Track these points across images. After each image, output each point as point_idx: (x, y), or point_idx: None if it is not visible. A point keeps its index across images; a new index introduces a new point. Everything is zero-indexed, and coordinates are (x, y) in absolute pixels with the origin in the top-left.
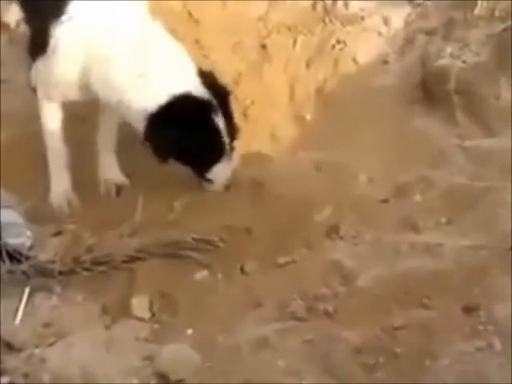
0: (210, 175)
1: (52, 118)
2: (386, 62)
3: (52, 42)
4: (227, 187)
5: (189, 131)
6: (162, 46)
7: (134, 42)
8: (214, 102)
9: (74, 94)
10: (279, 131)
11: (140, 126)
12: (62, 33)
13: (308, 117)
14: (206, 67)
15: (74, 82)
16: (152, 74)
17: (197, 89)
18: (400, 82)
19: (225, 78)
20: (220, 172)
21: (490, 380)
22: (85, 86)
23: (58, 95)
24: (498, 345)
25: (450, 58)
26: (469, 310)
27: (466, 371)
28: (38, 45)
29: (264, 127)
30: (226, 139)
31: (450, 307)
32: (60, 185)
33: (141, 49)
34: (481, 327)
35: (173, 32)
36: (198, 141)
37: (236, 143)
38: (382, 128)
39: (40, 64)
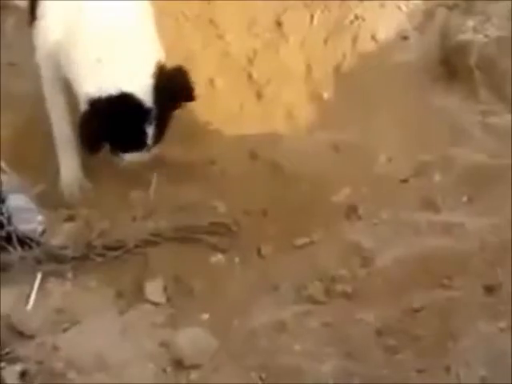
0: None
1: (55, 98)
2: (405, 38)
3: (39, 9)
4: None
5: (114, 129)
6: (132, 39)
7: (108, 27)
8: (152, 107)
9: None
10: (296, 110)
11: (82, 108)
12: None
13: (325, 95)
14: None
15: (54, 51)
16: (107, 63)
17: (141, 91)
18: (420, 58)
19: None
20: (130, 158)
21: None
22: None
23: (47, 63)
24: None
25: (472, 32)
26: (490, 289)
27: (489, 352)
28: (30, 12)
29: (280, 106)
30: (150, 142)
31: (472, 287)
32: (70, 170)
33: (110, 35)
34: (502, 307)
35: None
36: (120, 140)
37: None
38: (402, 106)
39: (33, 32)
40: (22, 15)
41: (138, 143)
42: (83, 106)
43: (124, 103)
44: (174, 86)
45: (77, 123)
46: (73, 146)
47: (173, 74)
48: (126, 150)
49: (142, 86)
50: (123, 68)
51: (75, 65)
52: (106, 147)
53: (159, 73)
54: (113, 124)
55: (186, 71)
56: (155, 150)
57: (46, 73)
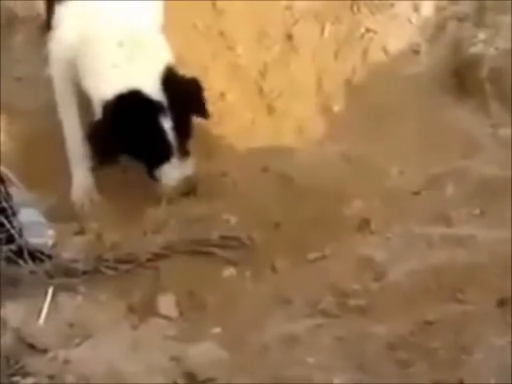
0: (158, 175)
1: (68, 109)
2: (416, 51)
3: (55, 18)
4: (185, 194)
5: (131, 128)
6: (145, 44)
7: (122, 33)
8: (165, 102)
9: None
10: (306, 123)
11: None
12: (62, 11)
13: (336, 108)
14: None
15: (70, 58)
16: (123, 67)
17: (150, 88)
18: (431, 70)
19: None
20: (168, 173)
21: None
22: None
23: (60, 73)
24: None
25: (483, 44)
26: (503, 302)
27: (502, 365)
28: (47, 23)
29: (291, 119)
30: (173, 140)
31: (485, 301)
32: (81, 182)
33: (124, 40)
34: None
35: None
36: (141, 138)
37: (191, 147)
38: (413, 118)
39: (48, 41)
40: (31, 30)
41: (162, 146)
42: (98, 111)
43: (138, 104)
44: (187, 92)
45: (89, 129)
46: (85, 158)
47: (187, 81)
48: (153, 158)
49: (149, 84)
50: (138, 71)
51: (91, 71)
52: (120, 160)
53: (171, 75)
54: (128, 123)
55: (200, 84)
56: (191, 164)
57: (59, 84)
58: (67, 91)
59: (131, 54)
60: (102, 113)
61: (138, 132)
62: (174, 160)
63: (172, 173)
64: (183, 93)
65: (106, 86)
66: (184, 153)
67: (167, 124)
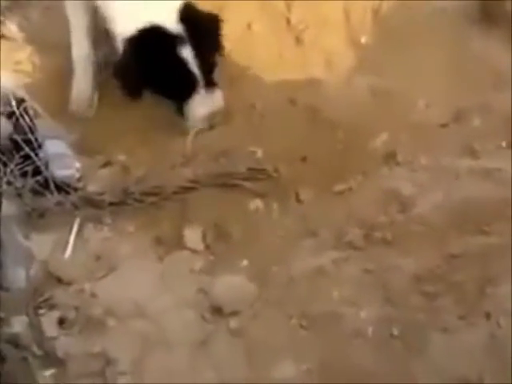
0: (186, 109)
1: (77, 17)
2: None
3: None
4: (212, 126)
5: (154, 63)
6: None
7: None
8: (184, 35)
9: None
10: (334, 56)
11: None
12: None
13: (363, 40)
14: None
15: None
16: (143, 3)
17: (169, 22)
18: (459, 2)
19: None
20: (195, 107)
21: None
22: None
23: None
24: None
25: None
26: None
27: None
28: None
29: (318, 52)
30: (197, 72)
31: (510, 233)
32: (82, 86)
33: None
34: None
35: None
36: (165, 72)
37: (217, 79)
38: (440, 51)
39: None
40: None
41: (187, 79)
42: (120, 47)
43: (159, 38)
44: (207, 26)
45: (114, 66)
46: (89, 64)
47: (206, 15)
48: (179, 92)
49: (167, 18)
50: (158, 7)
51: (112, 8)
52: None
53: (190, 10)
54: (149, 57)
55: (218, 19)
56: (219, 95)
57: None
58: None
59: None
60: (124, 49)
61: (162, 66)
62: (201, 92)
63: (200, 105)
64: (203, 26)
65: (126, 22)
66: (211, 84)
67: (190, 56)
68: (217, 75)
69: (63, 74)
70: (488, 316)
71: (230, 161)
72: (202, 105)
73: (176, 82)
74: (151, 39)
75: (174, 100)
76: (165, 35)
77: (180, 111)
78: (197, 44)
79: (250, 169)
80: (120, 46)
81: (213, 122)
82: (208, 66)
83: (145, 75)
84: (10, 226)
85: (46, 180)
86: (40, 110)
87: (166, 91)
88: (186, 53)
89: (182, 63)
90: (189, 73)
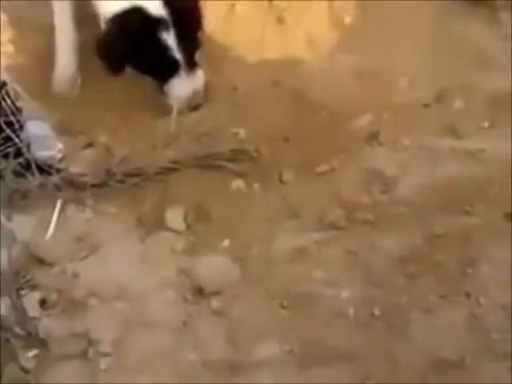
0: (167, 89)
1: None
2: None
3: None
4: (194, 107)
5: (134, 41)
6: None
7: None
8: (167, 16)
9: None
10: (317, 36)
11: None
12: None
13: (347, 20)
14: None
15: None
16: None
17: (151, 3)
18: None
19: None
20: (177, 87)
21: None
22: None
23: None
24: None
25: None
26: (511, 216)
27: (509, 278)
28: None
29: (301, 31)
30: (178, 54)
31: (492, 214)
32: (65, 65)
33: None
34: None
35: None
36: (146, 52)
37: (199, 59)
38: (423, 31)
39: None
40: None
41: (168, 60)
42: (103, 27)
43: (141, 18)
44: (189, 7)
45: (96, 44)
46: (71, 42)
47: None
48: (160, 72)
49: (155, 3)
50: None
51: None
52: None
53: None
54: (130, 38)
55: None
56: (200, 75)
57: None
58: None
59: None
60: (107, 27)
61: (143, 46)
62: (182, 73)
63: (181, 86)
64: (185, 8)
65: (110, 3)
66: (192, 65)
67: (171, 37)
68: (199, 56)
69: (46, 56)
70: (469, 296)
71: (212, 142)
72: (183, 85)
73: (157, 63)
74: (134, 19)
75: (155, 80)
76: (148, 16)
77: (161, 91)
78: (179, 25)
79: (232, 150)
80: (103, 25)
81: (194, 101)
82: (190, 48)
83: (127, 53)
84: None
85: (28, 161)
86: (22, 91)
87: (147, 71)
88: (168, 34)
89: (163, 44)
90: (170, 54)
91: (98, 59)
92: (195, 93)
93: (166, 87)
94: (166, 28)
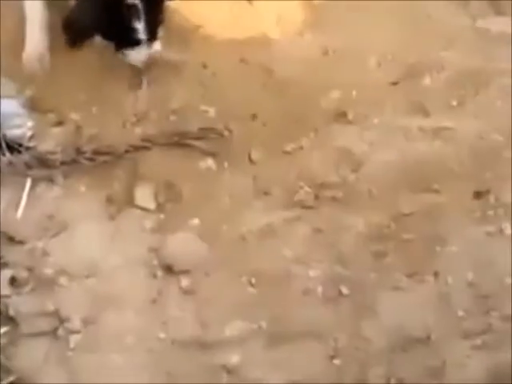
0: (125, 53)
1: None
2: None
3: None
4: (146, 68)
5: (100, 10)
6: None
7: None
8: None
9: None
10: (286, 14)
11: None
12: None
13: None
14: None
15: None
16: None
17: None
18: None
19: None
20: (135, 53)
21: (499, 265)
22: None
23: None
24: (508, 229)
25: None
26: (479, 194)
27: (476, 256)
28: None
29: (270, 9)
30: (142, 28)
31: (461, 192)
32: (34, 43)
33: None
34: (491, 212)
35: None
36: (109, 22)
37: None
38: (392, 9)
39: None
40: None
41: (130, 31)
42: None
43: None
44: None
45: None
46: (41, 19)
47: None
48: (121, 43)
49: None
50: None
51: None
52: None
53: None
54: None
55: None
56: (156, 47)
57: None
58: None
59: None
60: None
61: (108, 15)
62: (143, 45)
63: (139, 53)
64: None
65: None
66: (153, 39)
67: (136, 11)
68: (161, 31)
69: (16, 33)
70: (437, 274)
71: (181, 120)
72: (141, 53)
73: (119, 34)
74: None
75: (115, 47)
76: None
77: (120, 52)
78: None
79: (201, 128)
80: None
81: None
82: (154, 22)
83: (93, 25)
84: None
85: None
86: None
87: (109, 39)
88: (133, 9)
89: (128, 17)
90: (134, 28)
91: (63, 29)
92: (151, 57)
93: (125, 52)
94: (133, 4)
